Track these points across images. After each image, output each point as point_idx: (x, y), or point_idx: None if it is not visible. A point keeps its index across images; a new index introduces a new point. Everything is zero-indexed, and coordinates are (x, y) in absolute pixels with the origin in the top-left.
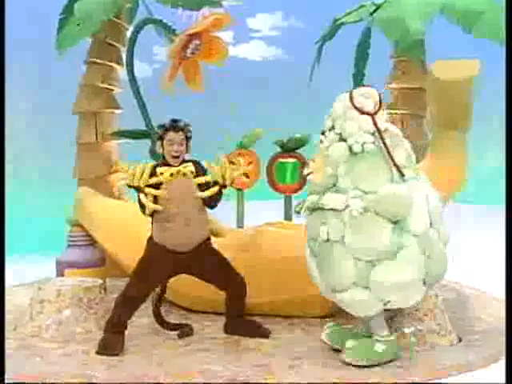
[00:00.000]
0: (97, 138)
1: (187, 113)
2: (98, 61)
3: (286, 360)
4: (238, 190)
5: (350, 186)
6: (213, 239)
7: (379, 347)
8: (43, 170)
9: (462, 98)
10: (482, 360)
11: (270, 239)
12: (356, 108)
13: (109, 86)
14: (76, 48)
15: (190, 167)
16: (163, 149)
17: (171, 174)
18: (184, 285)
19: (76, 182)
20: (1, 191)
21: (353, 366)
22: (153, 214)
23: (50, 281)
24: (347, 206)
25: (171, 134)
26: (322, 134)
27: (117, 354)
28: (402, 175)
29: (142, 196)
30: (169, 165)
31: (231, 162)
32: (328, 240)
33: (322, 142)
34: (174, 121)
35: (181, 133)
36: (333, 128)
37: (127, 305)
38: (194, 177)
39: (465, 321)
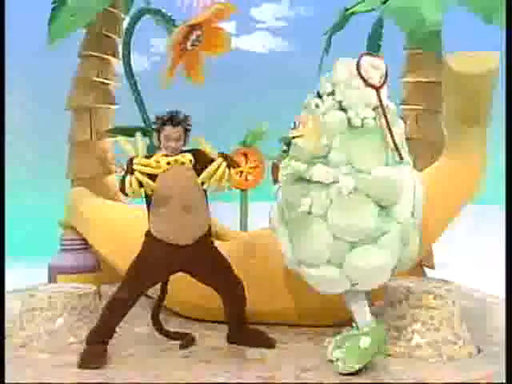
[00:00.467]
0: (91, 136)
1: (187, 108)
2: (93, 53)
3: (292, 372)
4: (242, 190)
5: (343, 160)
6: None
7: (364, 342)
8: (34, 169)
9: (481, 92)
10: (502, 373)
11: (276, 243)
12: (362, 78)
13: (104, 80)
14: (69, 39)
15: (189, 156)
16: (160, 142)
17: (168, 163)
18: (183, 291)
19: (69, 182)
20: (1, 193)
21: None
22: (149, 204)
23: (41, 287)
24: (335, 181)
25: (168, 129)
26: (319, 96)
27: (98, 368)
28: (401, 158)
29: (137, 174)
30: (166, 155)
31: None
32: (309, 213)
33: (317, 105)
34: (172, 114)
35: (179, 127)
36: (332, 93)
37: (115, 308)
38: (194, 166)
39: (485, 330)
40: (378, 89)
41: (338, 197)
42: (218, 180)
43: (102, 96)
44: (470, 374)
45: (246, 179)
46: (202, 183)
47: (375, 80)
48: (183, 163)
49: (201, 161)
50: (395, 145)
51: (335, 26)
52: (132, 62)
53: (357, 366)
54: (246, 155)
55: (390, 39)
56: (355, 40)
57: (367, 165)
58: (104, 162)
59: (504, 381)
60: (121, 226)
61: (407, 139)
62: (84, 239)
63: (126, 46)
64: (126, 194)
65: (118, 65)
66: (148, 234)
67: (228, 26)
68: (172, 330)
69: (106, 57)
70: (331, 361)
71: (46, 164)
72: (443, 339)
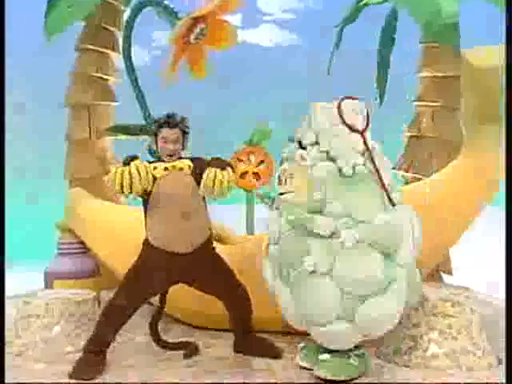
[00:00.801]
0: (90, 134)
1: (190, 105)
2: (92, 47)
3: (299, 383)
4: (248, 191)
5: (341, 212)
6: (217, 247)
7: (354, 361)
8: (30, 169)
9: (499, 88)
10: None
11: None
12: (347, 125)
13: (103, 76)
14: (66, 33)
15: (188, 162)
16: (157, 146)
17: (165, 169)
18: (184, 297)
19: (67, 182)
20: (1, 195)
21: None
22: (146, 211)
23: (37, 294)
24: (335, 234)
25: (165, 131)
26: (301, 147)
27: (91, 379)
28: (393, 204)
29: (132, 166)
30: (163, 161)
31: (240, 160)
32: (313, 272)
33: (303, 158)
34: (169, 116)
35: (176, 129)
36: (316, 143)
37: (112, 316)
38: (192, 173)
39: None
40: (362, 133)
41: (341, 251)
42: (216, 187)
43: (101, 92)
44: None
45: (254, 179)
46: (204, 197)
47: (359, 124)
48: (181, 169)
49: (200, 168)
50: (386, 190)
51: (346, 18)
52: (133, 57)
53: (343, 377)
54: (251, 154)
55: (404, 32)
56: (367, 33)
57: (367, 213)
58: (103, 161)
59: (504, 381)
60: (121, 229)
61: (423, 137)
62: (82, 242)
63: (127, 39)
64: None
65: (117, 59)
66: (145, 242)
67: (233, 19)
68: (174, 339)
69: (105, 51)
70: (304, 368)
71: (43, 163)
72: (461, 349)
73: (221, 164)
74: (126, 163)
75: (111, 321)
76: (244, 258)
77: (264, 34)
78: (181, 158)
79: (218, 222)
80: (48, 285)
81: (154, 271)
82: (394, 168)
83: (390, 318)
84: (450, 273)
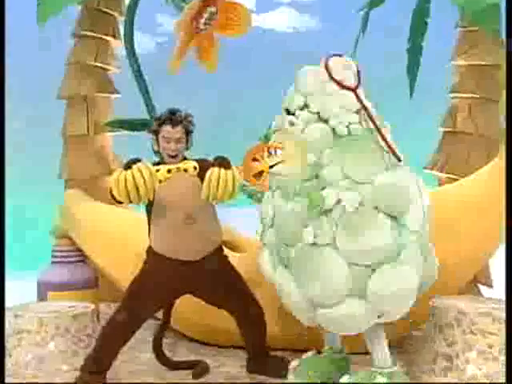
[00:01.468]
0: (88, 130)
1: (199, 97)
2: (90, 33)
3: None
4: (262, 192)
5: (339, 175)
6: (228, 254)
7: (380, 380)
8: (21, 168)
9: None
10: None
11: None
12: (336, 81)
13: (103, 65)
14: (61, 18)
15: (193, 163)
16: (158, 145)
17: (168, 171)
18: (195, 312)
19: (63, 183)
20: (1, 198)
21: None
22: (149, 217)
23: (28, 306)
24: (338, 201)
25: (167, 129)
26: (289, 113)
27: None
28: (399, 159)
29: (134, 170)
30: (165, 164)
31: (255, 159)
32: (314, 244)
33: (292, 123)
34: (172, 112)
35: (179, 127)
36: (305, 106)
37: (114, 333)
38: (199, 174)
39: None
40: (354, 90)
41: (342, 217)
42: (221, 189)
43: (99, 83)
44: None
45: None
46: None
47: (350, 81)
48: (186, 170)
49: (206, 169)
50: (389, 146)
51: (373, 0)
52: (135, 44)
53: None
54: (267, 151)
55: (437, 15)
56: (396, 17)
57: (367, 174)
58: (103, 159)
59: (504, 381)
60: (122, 235)
61: (458, 133)
62: (79, 250)
63: (129, 24)
64: (113, 197)
65: (118, 47)
66: (149, 250)
67: (247, 2)
68: (181, 357)
69: (104, 37)
70: None
71: (36, 162)
72: (503, 371)
73: (224, 163)
74: (128, 167)
75: (113, 339)
76: (251, 268)
77: (281, 19)
78: (185, 158)
79: (228, 226)
80: (41, 296)
81: (159, 281)
82: (426, 167)
83: (406, 292)
84: (489, 285)
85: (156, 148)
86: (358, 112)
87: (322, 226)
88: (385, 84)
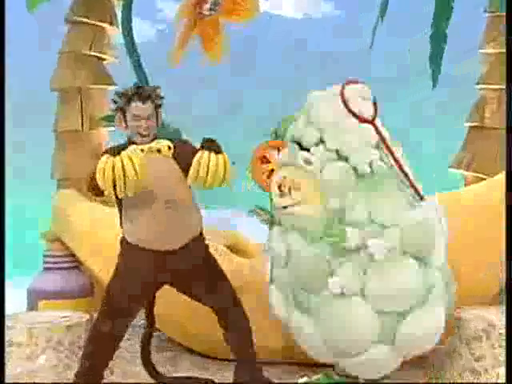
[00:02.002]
0: (83, 124)
1: (203, 89)
2: (84, 20)
3: None
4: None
5: (365, 220)
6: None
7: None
8: (10, 167)
9: None
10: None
11: None
12: (354, 115)
13: (98, 54)
14: (53, 2)
15: (166, 142)
16: (126, 125)
17: (141, 151)
18: (198, 324)
19: (55, 183)
20: (1, 199)
21: None
22: (120, 203)
23: (18, 317)
24: (364, 246)
25: (136, 106)
26: (303, 148)
27: None
28: (421, 198)
29: (124, 158)
30: (136, 144)
31: (263, 158)
32: (342, 294)
33: (308, 161)
34: (138, 87)
35: (149, 102)
36: (321, 142)
37: (99, 344)
38: (174, 156)
39: None
40: (373, 122)
41: (370, 264)
42: (211, 174)
43: (95, 74)
44: None
45: None
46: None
47: (369, 112)
48: (159, 150)
49: (187, 151)
50: (411, 183)
51: None
52: (134, 31)
53: None
54: (277, 149)
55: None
56: (418, 1)
57: (394, 217)
58: (98, 156)
59: (504, 381)
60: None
61: (486, 129)
62: (73, 255)
63: (127, 10)
64: (94, 190)
65: (115, 34)
66: (122, 241)
67: None
68: (183, 373)
69: (100, 24)
70: None
71: (26, 160)
72: None
73: (215, 146)
74: (117, 153)
75: (99, 350)
76: (257, 275)
77: (291, 4)
78: (156, 137)
79: (234, 231)
80: (32, 306)
81: (137, 275)
82: (451, 166)
83: (435, 331)
84: None
85: (122, 128)
86: (377, 145)
87: (349, 275)
88: (406, 75)
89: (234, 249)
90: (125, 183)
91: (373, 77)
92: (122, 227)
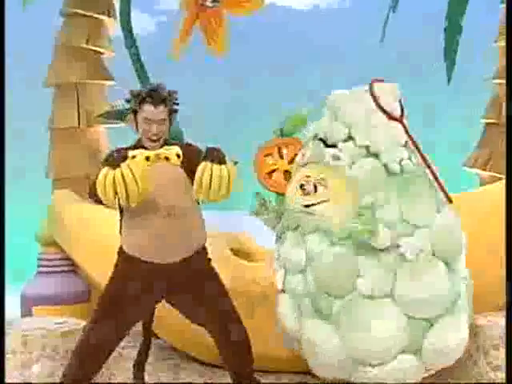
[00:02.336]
0: (79, 121)
1: (206, 84)
2: (81, 11)
3: None
4: (280, 194)
5: (396, 219)
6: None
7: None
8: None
9: None
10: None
11: None
12: (384, 111)
13: (96, 48)
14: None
15: (175, 150)
16: (137, 126)
17: (147, 158)
18: (199, 331)
19: (50, 182)
20: (1, 200)
21: None
22: (122, 212)
23: (12, 323)
24: (395, 246)
25: (148, 109)
26: (328, 145)
27: None
28: (450, 201)
29: (124, 170)
30: (144, 147)
31: (268, 155)
32: (369, 296)
33: (336, 157)
34: (153, 89)
35: (162, 107)
36: (350, 138)
37: (88, 358)
38: (183, 164)
39: None
40: (401, 120)
41: (401, 265)
42: (214, 187)
43: (92, 68)
44: None
45: (285, 179)
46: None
47: (397, 110)
48: (167, 158)
49: (191, 158)
50: (441, 185)
51: None
52: (133, 24)
53: None
54: (283, 148)
55: None
56: None
57: (425, 217)
58: (96, 156)
59: (504, 381)
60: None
61: (503, 125)
62: (69, 258)
63: (125, 1)
64: (95, 198)
65: (113, 27)
66: (120, 251)
67: None
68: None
69: (97, 16)
70: None
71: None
72: None
73: (219, 156)
74: (116, 165)
75: (87, 363)
76: (264, 282)
77: None
78: (166, 143)
79: (241, 234)
80: (25, 312)
81: (133, 289)
82: (466, 165)
83: (460, 344)
84: None
85: (133, 127)
86: (405, 145)
87: (379, 276)
88: (419, 69)
89: (238, 252)
90: (127, 195)
91: (382, 70)
92: (120, 236)
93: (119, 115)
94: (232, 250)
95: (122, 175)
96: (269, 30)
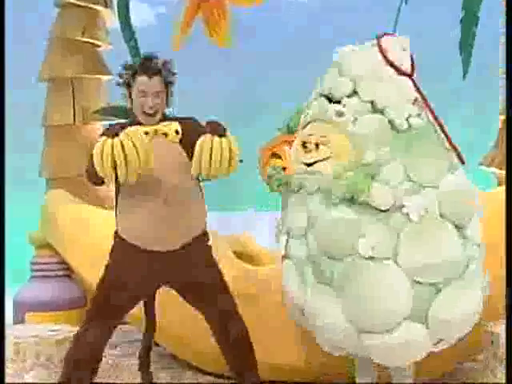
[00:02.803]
0: (74, 118)
1: (209, 78)
2: (76, 2)
3: None
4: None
5: (401, 177)
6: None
7: None
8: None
9: None
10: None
11: None
12: (392, 65)
13: (92, 40)
14: None
15: (174, 125)
16: (131, 102)
17: (146, 133)
18: (201, 339)
19: (44, 182)
20: (1, 201)
21: None
22: (117, 195)
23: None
24: (399, 207)
25: (143, 80)
26: (331, 101)
27: None
28: (463, 162)
29: (124, 139)
30: (141, 124)
31: (273, 154)
32: (371, 257)
33: (341, 113)
34: (147, 58)
35: (157, 78)
36: (354, 93)
37: (81, 354)
38: (182, 140)
39: None
40: (411, 76)
41: (405, 227)
42: (214, 162)
43: (88, 62)
44: None
45: None
46: (198, 178)
47: (407, 65)
48: (166, 134)
49: (191, 133)
50: (452, 144)
51: None
52: (132, 15)
53: None
54: (290, 145)
55: None
56: None
57: (432, 176)
58: (91, 154)
59: (504, 381)
60: None
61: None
62: (64, 262)
63: None
64: (92, 178)
65: (110, 18)
66: (116, 236)
67: None
68: None
69: (94, 7)
70: None
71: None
72: None
73: (219, 129)
74: (114, 134)
75: (80, 360)
76: (270, 285)
77: None
78: (164, 118)
79: (243, 235)
80: (18, 318)
81: (130, 277)
82: (482, 164)
83: (471, 314)
84: None
85: (129, 105)
86: (414, 102)
87: (380, 236)
88: (432, 62)
89: (241, 254)
90: (126, 166)
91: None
92: (116, 219)
93: (116, 111)
94: (235, 252)
95: (122, 144)
96: (272, 22)
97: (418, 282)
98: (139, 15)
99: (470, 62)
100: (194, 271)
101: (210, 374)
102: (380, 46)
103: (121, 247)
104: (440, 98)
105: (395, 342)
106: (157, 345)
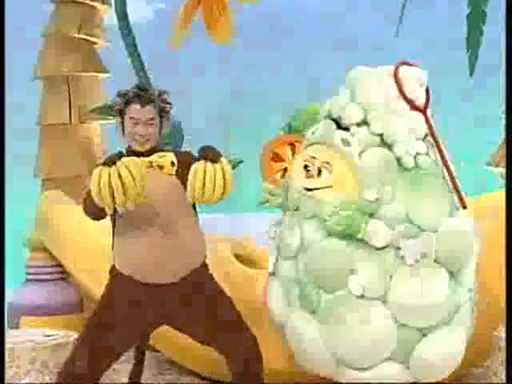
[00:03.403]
0: (71, 117)
1: (208, 77)
2: None
3: None
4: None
5: (401, 217)
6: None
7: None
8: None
9: None
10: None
11: None
12: (406, 100)
13: (88, 37)
14: None
15: (170, 157)
16: (123, 130)
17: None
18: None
19: (39, 183)
20: (1, 200)
21: None
22: (114, 226)
23: None
24: (395, 247)
25: (135, 109)
26: (339, 126)
27: None
28: (464, 206)
29: (121, 168)
30: (136, 154)
31: (275, 154)
32: (362, 296)
33: (346, 142)
34: (142, 88)
35: (149, 106)
36: (365, 123)
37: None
38: (177, 172)
39: None
40: (424, 111)
41: (399, 269)
42: (207, 188)
43: (84, 59)
44: None
45: None
46: (194, 205)
47: (421, 99)
48: (161, 167)
49: (187, 166)
50: (456, 187)
51: None
52: (129, 11)
53: None
54: (292, 145)
55: None
56: None
57: (433, 220)
58: (88, 154)
59: (504, 381)
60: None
61: None
62: (60, 265)
63: None
64: (91, 209)
65: (107, 14)
66: (112, 270)
67: None
68: None
69: (90, 3)
70: None
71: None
72: None
73: (212, 155)
74: (112, 163)
75: None
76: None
77: None
78: (157, 150)
79: (243, 238)
80: (12, 322)
81: (127, 312)
82: (488, 164)
83: (454, 358)
84: None
85: (120, 132)
86: (424, 139)
87: (372, 276)
88: (438, 59)
89: (242, 258)
90: (124, 194)
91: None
92: (113, 253)
93: (113, 111)
94: (235, 255)
95: (119, 172)
96: (276, 20)
97: (404, 325)
98: (137, 11)
99: (476, 60)
100: (195, 304)
101: (208, 379)
102: (397, 78)
103: (116, 281)
104: (444, 96)
105: (373, 377)
106: (155, 350)
